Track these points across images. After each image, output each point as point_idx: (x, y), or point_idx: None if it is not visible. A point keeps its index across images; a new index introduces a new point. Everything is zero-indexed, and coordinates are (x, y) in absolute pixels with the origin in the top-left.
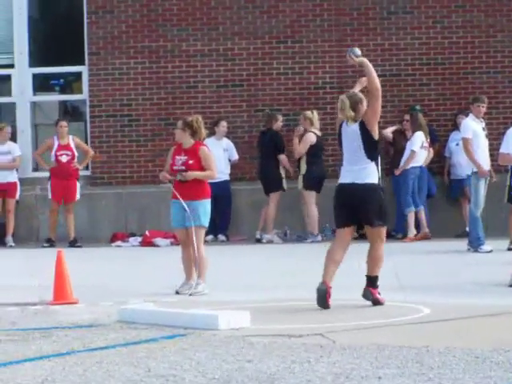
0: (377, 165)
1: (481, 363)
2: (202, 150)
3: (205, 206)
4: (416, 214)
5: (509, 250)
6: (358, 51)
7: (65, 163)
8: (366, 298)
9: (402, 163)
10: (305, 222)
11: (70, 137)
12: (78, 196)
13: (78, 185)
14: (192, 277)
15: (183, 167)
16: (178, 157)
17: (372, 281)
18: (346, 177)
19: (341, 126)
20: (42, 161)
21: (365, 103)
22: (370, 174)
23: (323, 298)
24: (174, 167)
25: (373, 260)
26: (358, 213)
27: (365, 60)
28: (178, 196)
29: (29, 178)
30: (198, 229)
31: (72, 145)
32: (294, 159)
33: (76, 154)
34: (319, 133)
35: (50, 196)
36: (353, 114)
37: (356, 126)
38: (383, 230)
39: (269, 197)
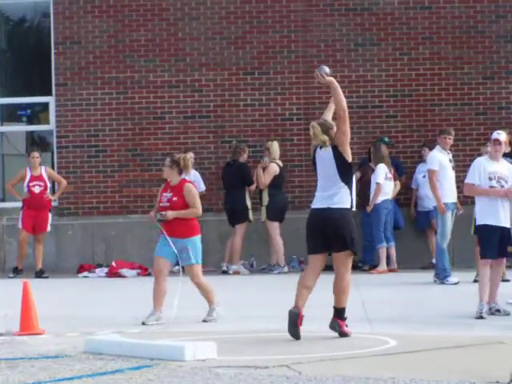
0: (350, 189)
1: None
2: (186, 187)
3: (194, 243)
4: (386, 249)
5: (475, 281)
6: (327, 70)
7: (37, 194)
8: (333, 329)
9: (371, 198)
10: (271, 253)
11: (43, 167)
12: (49, 227)
13: (50, 216)
14: (159, 308)
15: (168, 203)
16: (164, 193)
17: (340, 312)
18: (319, 202)
19: (314, 151)
20: (14, 192)
21: (335, 128)
22: (343, 198)
23: (294, 322)
24: (160, 204)
25: (339, 290)
26: (329, 239)
27: (333, 80)
28: (165, 234)
29: None
30: (193, 267)
31: (45, 175)
32: (256, 190)
33: (49, 184)
34: (280, 163)
35: (20, 225)
36: (326, 137)
37: (329, 151)
38: (350, 259)
39: (234, 228)
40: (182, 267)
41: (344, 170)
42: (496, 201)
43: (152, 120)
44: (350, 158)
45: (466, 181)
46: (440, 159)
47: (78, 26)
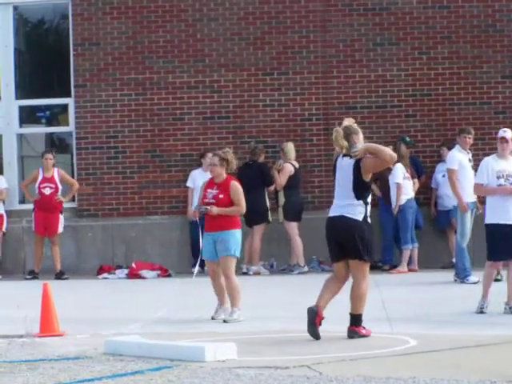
0: (365, 204)
1: None
2: (232, 185)
3: (235, 236)
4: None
5: (496, 280)
6: (355, 147)
7: (48, 196)
8: (351, 338)
9: (392, 200)
10: (290, 253)
11: (55, 169)
12: (60, 229)
13: (62, 217)
14: (225, 302)
15: (213, 200)
16: (209, 190)
17: (356, 319)
18: (334, 210)
19: (336, 159)
20: (27, 192)
21: (360, 135)
22: (356, 210)
23: (313, 320)
24: (205, 200)
25: (356, 297)
26: (344, 246)
27: (366, 145)
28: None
29: (15, 210)
30: (227, 259)
31: (56, 177)
32: (272, 191)
33: (60, 186)
34: (296, 164)
35: (33, 228)
36: (346, 143)
37: (351, 162)
38: (366, 266)
39: (253, 229)
40: (201, 265)
41: (359, 186)
42: (505, 199)
43: (171, 121)
44: (368, 179)
45: (475, 181)
46: (459, 159)
47: (96, 27)
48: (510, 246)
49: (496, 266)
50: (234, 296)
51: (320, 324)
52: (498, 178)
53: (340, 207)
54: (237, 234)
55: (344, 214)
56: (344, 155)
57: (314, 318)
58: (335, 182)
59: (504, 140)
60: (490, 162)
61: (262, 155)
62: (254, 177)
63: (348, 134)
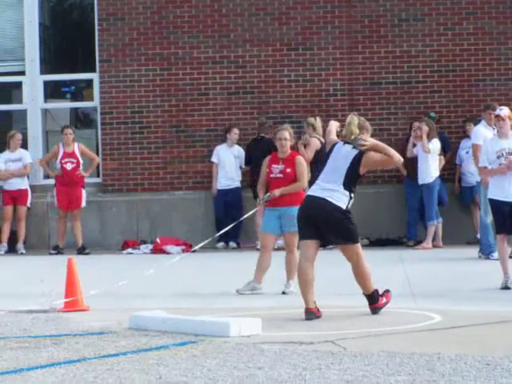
0: (350, 198)
1: (492, 370)
2: (298, 159)
3: None
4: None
5: (511, 257)
6: (363, 139)
7: (69, 171)
8: (375, 314)
9: (420, 173)
10: None
11: (76, 144)
12: (84, 203)
13: (84, 192)
14: (259, 280)
15: (281, 175)
16: (275, 165)
17: (371, 298)
18: (317, 192)
19: (334, 145)
20: (47, 168)
21: (368, 134)
22: (340, 199)
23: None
24: (271, 175)
25: (361, 278)
26: (323, 231)
27: (376, 142)
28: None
29: (40, 186)
30: (294, 234)
31: (77, 152)
32: None
33: (81, 161)
34: (323, 139)
35: (56, 203)
36: (357, 131)
37: (353, 152)
38: (358, 247)
39: None
40: (225, 240)
41: (351, 178)
42: (502, 178)
43: (196, 96)
44: (362, 173)
45: (478, 164)
46: (485, 134)
47: (121, 2)
48: (506, 222)
49: (503, 239)
50: (291, 269)
51: (320, 314)
52: (498, 157)
53: (324, 190)
54: None
55: (327, 198)
56: (346, 143)
57: (315, 318)
58: (324, 167)
59: (500, 118)
60: (488, 144)
61: (271, 130)
62: (262, 152)
63: (362, 126)
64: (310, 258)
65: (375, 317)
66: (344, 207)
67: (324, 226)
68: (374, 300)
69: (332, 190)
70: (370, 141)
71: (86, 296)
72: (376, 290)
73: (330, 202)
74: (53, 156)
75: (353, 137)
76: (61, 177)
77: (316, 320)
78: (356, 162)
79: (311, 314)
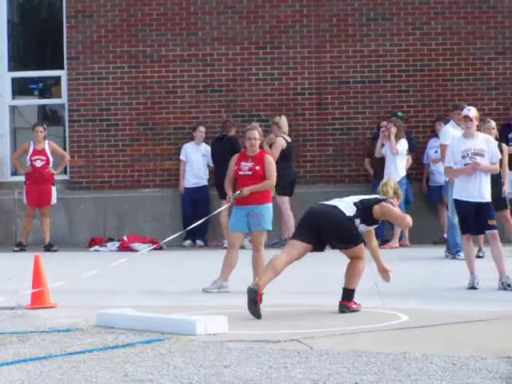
0: (356, 215)
1: (458, 370)
2: (267, 158)
3: (268, 210)
4: None
5: (477, 257)
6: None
7: (39, 168)
8: (342, 312)
9: (385, 173)
10: (282, 227)
11: (47, 142)
12: (54, 200)
13: (54, 189)
14: (225, 278)
15: (250, 172)
16: (244, 163)
17: (348, 294)
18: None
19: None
20: (18, 165)
21: (399, 201)
22: (348, 210)
23: (253, 300)
24: (240, 173)
25: (352, 274)
26: (325, 236)
27: (398, 212)
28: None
29: (7, 182)
30: (261, 232)
31: (47, 150)
32: None
33: (51, 159)
34: (288, 138)
35: (25, 201)
36: (392, 194)
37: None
38: (360, 248)
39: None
40: (192, 239)
41: (366, 220)
42: (466, 178)
43: (164, 94)
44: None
45: (444, 164)
46: (453, 134)
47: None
48: (472, 222)
49: (469, 239)
50: (259, 267)
51: (261, 301)
52: (464, 157)
53: (335, 201)
54: (270, 208)
55: (337, 205)
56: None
57: (255, 298)
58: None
59: (468, 119)
60: (454, 143)
61: (233, 129)
62: (225, 151)
63: (396, 191)
64: (292, 257)
65: (342, 316)
66: (348, 214)
67: (335, 233)
68: (349, 298)
69: (341, 201)
70: (396, 208)
71: (49, 288)
72: (354, 290)
73: (339, 210)
74: (23, 152)
75: (385, 197)
76: (31, 174)
77: (283, 318)
78: (374, 200)
79: (255, 285)
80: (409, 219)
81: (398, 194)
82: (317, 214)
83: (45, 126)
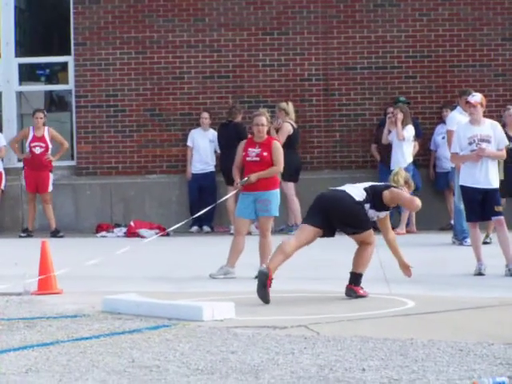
0: (367, 200)
1: (465, 356)
2: (275, 144)
3: (276, 196)
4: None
5: (484, 243)
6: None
7: (38, 155)
8: (349, 296)
9: (392, 159)
10: (288, 213)
11: (46, 128)
12: (50, 188)
13: (51, 176)
14: (232, 264)
15: (257, 158)
16: (251, 149)
17: (356, 278)
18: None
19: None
20: (17, 150)
21: (410, 190)
22: (358, 194)
23: (263, 283)
24: (248, 159)
25: (360, 258)
26: (334, 221)
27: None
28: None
29: (14, 168)
30: (268, 218)
31: (47, 137)
32: None
33: (50, 145)
34: (294, 124)
35: (24, 186)
36: (403, 183)
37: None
38: (369, 233)
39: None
40: (199, 224)
41: (377, 205)
42: (473, 165)
43: (171, 80)
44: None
45: (450, 151)
46: (459, 120)
47: None
48: (478, 209)
49: (475, 225)
50: (266, 253)
51: (270, 286)
52: (470, 144)
53: (345, 186)
54: (277, 194)
55: (346, 190)
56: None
57: (265, 282)
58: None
59: (471, 105)
60: (460, 130)
61: (239, 115)
62: (231, 137)
63: (407, 181)
64: (301, 241)
65: (349, 302)
66: (357, 199)
67: (344, 218)
68: (357, 282)
69: (352, 186)
70: (405, 192)
71: (54, 274)
72: (362, 275)
73: (344, 191)
74: (22, 138)
75: (395, 185)
76: (29, 160)
77: (290, 304)
78: (384, 186)
79: (266, 269)
80: (418, 201)
81: (409, 184)
82: (326, 198)
83: (45, 113)
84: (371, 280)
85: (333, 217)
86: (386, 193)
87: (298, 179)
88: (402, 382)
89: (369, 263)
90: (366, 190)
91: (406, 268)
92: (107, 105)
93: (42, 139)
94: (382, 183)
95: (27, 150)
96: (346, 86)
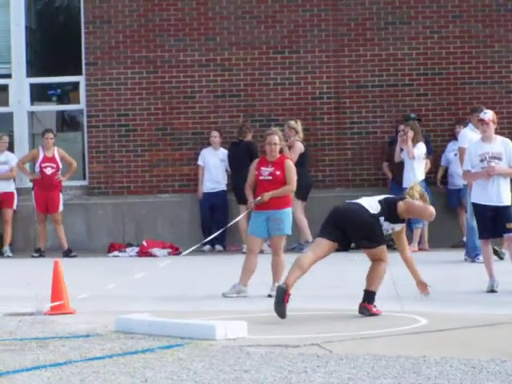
0: (380, 213)
1: (478, 373)
2: (287, 163)
3: (288, 215)
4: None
5: (498, 257)
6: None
7: (49, 175)
8: (362, 314)
9: (404, 178)
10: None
11: (55, 148)
12: (61, 207)
13: (61, 196)
14: (245, 282)
15: (270, 177)
16: (264, 168)
17: (369, 296)
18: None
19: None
20: (25, 171)
21: (427, 203)
22: (372, 207)
23: (281, 298)
24: (260, 178)
25: (373, 275)
26: (350, 234)
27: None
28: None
29: (26, 188)
30: (280, 237)
31: (57, 157)
32: None
33: (60, 166)
34: (303, 143)
35: (35, 206)
36: (418, 197)
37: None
38: (382, 249)
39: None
40: (211, 243)
41: (391, 217)
42: (484, 182)
43: (182, 99)
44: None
45: (462, 168)
46: (471, 137)
47: (107, 5)
48: (489, 226)
49: (487, 242)
50: (278, 271)
51: (288, 301)
52: (482, 161)
53: (360, 199)
54: (289, 213)
55: (361, 203)
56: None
57: (283, 297)
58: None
59: (484, 122)
60: (472, 147)
61: (249, 133)
62: (242, 156)
63: (422, 195)
64: (318, 255)
65: (361, 320)
66: (372, 212)
67: (358, 232)
68: (370, 300)
69: (366, 199)
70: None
71: (73, 300)
72: (375, 293)
73: (359, 204)
74: (31, 159)
75: (410, 197)
76: (39, 180)
77: (302, 323)
78: (398, 198)
79: (284, 284)
80: (432, 209)
81: (425, 198)
82: (341, 211)
83: (54, 132)
84: (383, 297)
85: (348, 230)
86: (400, 203)
87: (307, 198)
88: None
89: (382, 280)
90: (380, 202)
91: (423, 286)
92: (119, 124)
93: (52, 159)
94: (397, 196)
95: (37, 170)
96: (357, 104)
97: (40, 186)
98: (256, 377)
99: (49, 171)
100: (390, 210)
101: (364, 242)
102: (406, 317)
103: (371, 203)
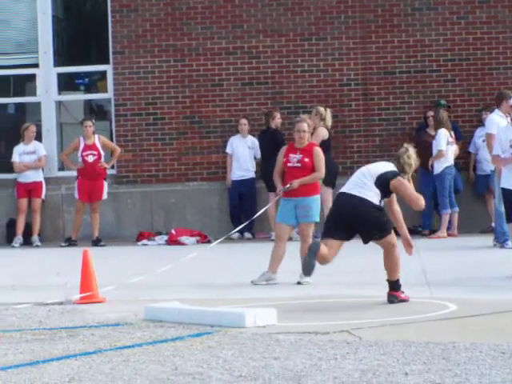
0: (380, 197)
1: (507, 359)
2: (316, 150)
3: (316, 202)
4: (450, 214)
5: None
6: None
7: (91, 163)
8: (391, 302)
9: (430, 163)
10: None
11: (96, 136)
12: (105, 195)
13: (106, 184)
14: (273, 270)
15: (299, 164)
16: (292, 155)
17: (394, 285)
18: (349, 188)
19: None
20: (69, 162)
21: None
22: (371, 194)
23: (315, 253)
24: (289, 164)
25: (390, 265)
26: (357, 229)
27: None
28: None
29: (54, 178)
30: (309, 224)
31: (98, 144)
32: None
33: (102, 153)
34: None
35: (76, 196)
36: (410, 173)
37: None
38: (391, 236)
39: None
40: (240, 231)
41: (386, 195)
42: None
43: (210, 87)
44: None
45: (492, 153)
46: (498, 123)
47: None
48: None
49: None
50: None
51: (316, 257)
52: (511, 146)
53: (355, 185)
54: (318, 200)
55: (359, 195)
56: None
57: (316, 252)
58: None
59: None
60: (502, 133)
61: (274, 119)
62: (268, 143)
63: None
64: (332, 254)
65: (391, 306)
66: (374, 202)
67: (358, 224)
68: (396, 288)
69: (364, 186)
70: (411, 186)
71: (102, 290)
72: (399, 280)
73: (361, 198)
74: (73, 150)
75: (405, 175)
76: (83, 170)
77: (331, 310)
78: (391, 175)
79: (317, 242)
80: (422, 201)
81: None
82: (345, 209)
83: (93, 121)
84: (413, 284)
85: (356, 226)
86: (392, 182)
87: (335, 185)
88: None
89: (399, 265)
90: (376, 184)
91: (409, 246)
92: (146, 113)
93: (93, 147)
94: (389, 169)
95: (79, 159)
96: (384, 91)
97: (84, 175)
98: (286, 364)
99: (90, 159)
100: (384, 188)
101: (376, 236)
102: (435, 303)
103: (370, 192)
